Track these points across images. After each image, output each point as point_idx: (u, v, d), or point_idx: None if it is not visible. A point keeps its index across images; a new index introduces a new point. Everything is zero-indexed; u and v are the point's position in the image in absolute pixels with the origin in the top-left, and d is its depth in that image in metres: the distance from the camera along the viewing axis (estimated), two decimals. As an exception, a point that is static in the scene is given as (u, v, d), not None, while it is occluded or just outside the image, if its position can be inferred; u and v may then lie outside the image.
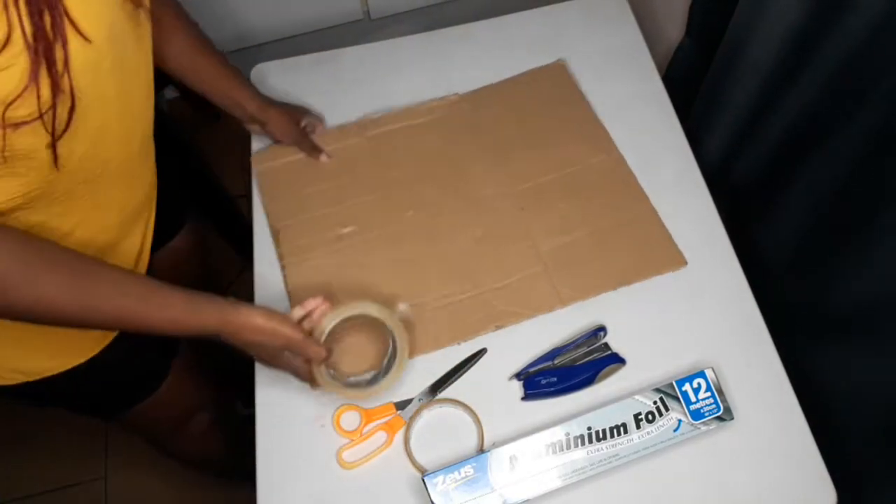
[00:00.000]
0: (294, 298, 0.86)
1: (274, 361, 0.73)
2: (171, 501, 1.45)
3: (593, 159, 0.95)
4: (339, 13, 1.62)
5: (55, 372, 0.76)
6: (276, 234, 0.91)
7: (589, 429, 0.74)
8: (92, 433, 1.50)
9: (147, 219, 0.82)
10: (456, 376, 0.81)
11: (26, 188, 0.57)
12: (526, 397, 0.80)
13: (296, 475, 0.77)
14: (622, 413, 0.75)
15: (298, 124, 0.96)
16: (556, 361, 0.81)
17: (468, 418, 0.79)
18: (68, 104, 0.53)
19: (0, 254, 0.54)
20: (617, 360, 0.81)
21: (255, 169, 0.96)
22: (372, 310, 0.78)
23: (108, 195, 0.68)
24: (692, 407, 0.76)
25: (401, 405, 0.80)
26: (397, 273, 0.88)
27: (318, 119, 0.99)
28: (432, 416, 0.80)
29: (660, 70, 1.04)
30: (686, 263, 0.87)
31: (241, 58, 1.03)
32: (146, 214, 0.81)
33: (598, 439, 0.74)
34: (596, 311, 0.84)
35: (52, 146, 0.55)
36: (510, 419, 0.79)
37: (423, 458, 0.77)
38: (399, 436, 0.79)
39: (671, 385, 0.76)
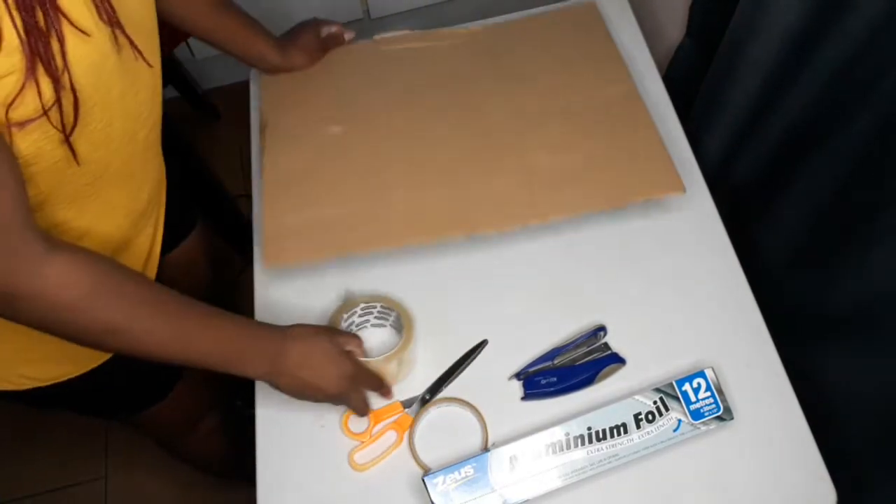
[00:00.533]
0: (267, 187, 0.85)
1: (332, 368, 0.71)
2: (171, 501, 1.45)
3: (605, 90, 0.93)
4: (339, 13, 1.62)
5: (69, 377, 0.76)
6: (262, 128, 0.91)
7: (589, 429, 0.74)
8: (92, 433, 1.50)
9: (156, 219, 0.81)
10: (459, 370, 0.81)
11: (33, 191, 0.57)
12: (526, 397, 0.80)
13: (296, 476, 0.77)
14: (622, 413, 0.75)
15: (319, 50, 0.97)
16: (555, 361, 0.81)
17: (472, 417, 0.79)
18: (71, 100, 0.53)
19: (80, 276, 0.55)
20: (617, 360, 0.81)
21: (262, 78, 0.97)
22: (379, 301, 0.81)
23: (112, 196, 0.68)
24: (692, 407, 0.76)
25: (407, 403, 0.80)
26: (379, 168, 0.86)
27: (340, 30, 0.98)
28: (437, 415, 0.80)
29: (660, 70, 1.04)
30: (684, 190, 0.85)
31: (241, 58, 1.04)
32: (154, 215, 0.81)
33: (598, 439, 0.74)
34: (596, 311, 0.84)
35: (67, 142, 0.54)
36: (510, 419, 0.79)
37: (428, 457, 0.77)
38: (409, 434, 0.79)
39: (671, 385, 0.76)
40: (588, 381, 0.80)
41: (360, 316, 0.82)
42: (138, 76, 0.62)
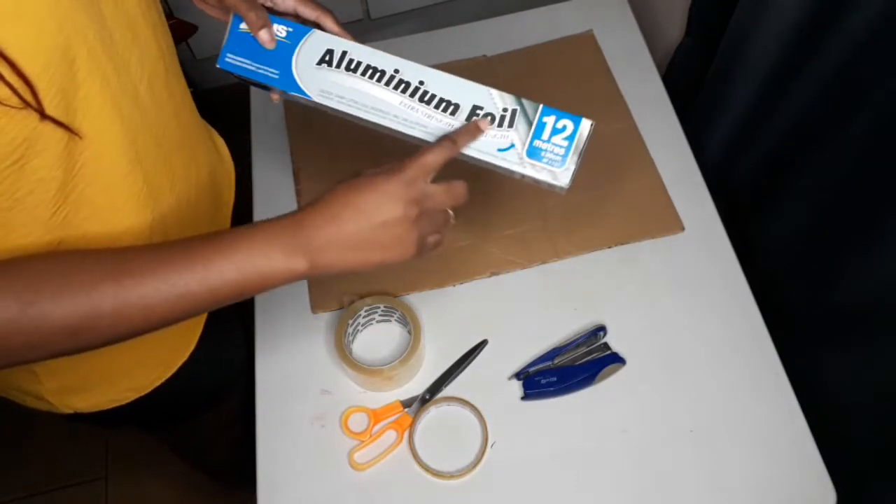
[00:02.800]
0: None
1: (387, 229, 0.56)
2: (171, 501, 1.45)
3: (607, 128, 0.97)
4: (339, 13, 1.61)
5: (161, 380, 0.75)
6: (296, 173, 0.96)
7: (421, 83, 0.62)
8: (92, 433, 1.50)
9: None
10: (459, 370, 0.81)
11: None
12: (526, 397, 0.80)
13: (296, 476, 0.77)
14: (466, 95, 0.62)
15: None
16: (555, 361, 0.81)
17: (472, 417, 0.79)
18: (6, 65, 0.43)
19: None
20: (617, 359, 0.81)
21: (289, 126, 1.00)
22: (382, 302, 0.81)
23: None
24: (536, 143, 0.61)
25: (407, 403, 0.80)
26: None
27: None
28: (437, 415, 0.80)
29: (660, 70, 1.04)
30: (683, 229, 0.89)
31: (241, 58, 1.03)
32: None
33: (422, 100, 0.62)
34: (596, 311, 0.85)
35: (43, 115, 0.46)
36: (510, 419, 0.79)
37: (428, 456, 0.77)
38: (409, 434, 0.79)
39: (536, 107, 0.61)
40: (588, 381, 0.80)
41: (365, 317, 0.83)
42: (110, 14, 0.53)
